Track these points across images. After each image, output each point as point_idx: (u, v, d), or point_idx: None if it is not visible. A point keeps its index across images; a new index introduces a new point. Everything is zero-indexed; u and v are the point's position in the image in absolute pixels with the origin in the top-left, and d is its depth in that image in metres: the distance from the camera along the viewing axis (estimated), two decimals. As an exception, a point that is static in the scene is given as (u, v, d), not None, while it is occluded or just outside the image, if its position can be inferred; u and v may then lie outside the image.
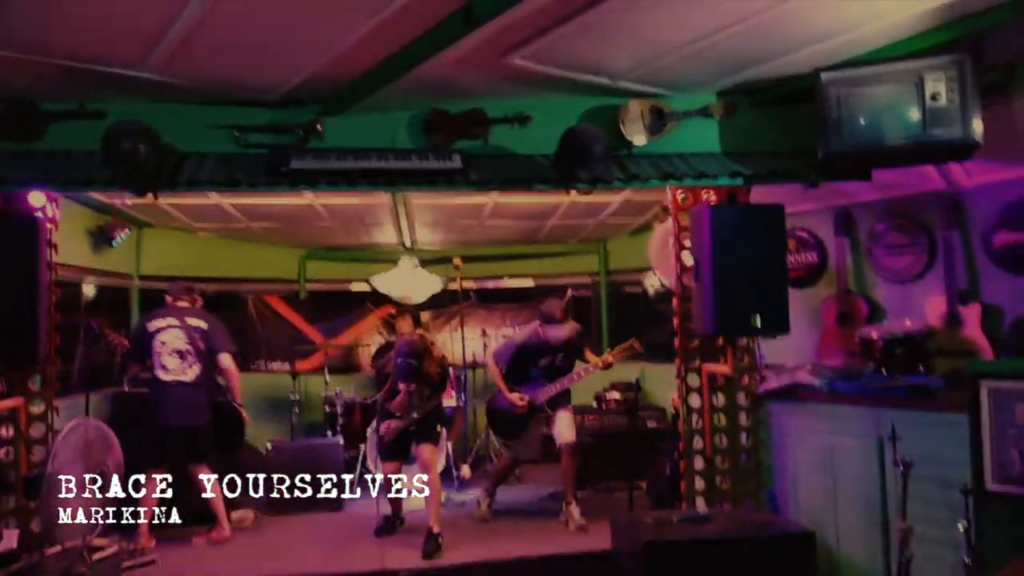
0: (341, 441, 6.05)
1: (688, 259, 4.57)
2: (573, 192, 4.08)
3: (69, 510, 3.37)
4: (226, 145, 3.93)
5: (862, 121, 3.81)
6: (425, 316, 7.81)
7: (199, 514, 4.98)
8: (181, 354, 4.89)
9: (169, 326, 4.93)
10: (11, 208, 3.90)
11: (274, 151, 3.75)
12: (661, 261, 5.23)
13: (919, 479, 3.43)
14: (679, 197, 4.58)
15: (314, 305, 7.89)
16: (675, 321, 4.63)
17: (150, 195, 3.56)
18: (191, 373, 4.89)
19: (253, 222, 6.43)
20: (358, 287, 8.01)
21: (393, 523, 5.19)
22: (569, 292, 8.11)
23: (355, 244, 7.70)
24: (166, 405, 4.83)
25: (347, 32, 3.13)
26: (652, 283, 7.62)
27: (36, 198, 3.98)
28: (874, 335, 4.46)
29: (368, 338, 7.92)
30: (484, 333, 7.32)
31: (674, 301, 4.66)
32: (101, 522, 3.63)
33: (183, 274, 7.08)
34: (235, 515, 5.53)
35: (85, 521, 3.48)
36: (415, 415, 4.98)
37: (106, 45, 3.15)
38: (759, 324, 4.02)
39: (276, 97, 3.84)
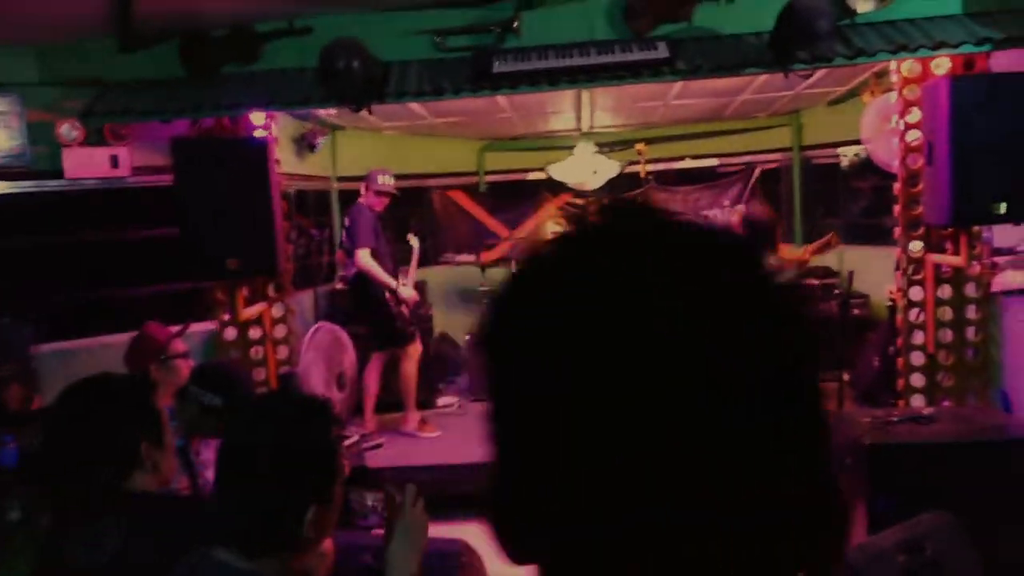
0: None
1: (913, 138, 4.14)
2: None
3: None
4: (426, 51, 3.94)
5: None
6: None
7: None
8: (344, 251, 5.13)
9: None
10: (238, 129, 4.18)
11: (476, 55, 3.71)
12: (878, 139, 4.77)
13: None
14: (904, 67, 4.09)
15: (493, 196, 8.01)
16: (896, 208, 4.27)
17: (364, 110, 3.66)
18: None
19: (437, 118, 6.52)
20: (535, 176, 8.01)
21: None
22: (757, 170, 7.67)
23: (532, 133, 7.64)
24: None
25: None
26: (847, 154, 7.03)
27: (257, 116, 4.22)
28: None
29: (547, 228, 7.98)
30: (670, 219, 7.12)
31: (896, 186, 4.27)
32: (343, 416, 4.04)
33: (374, 173, 7.44)
34: (441, 400, 5.97)
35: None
36: None
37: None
38: (1003, 211, 3.61)
39: (474, -3, 3.76)
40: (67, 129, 4.09)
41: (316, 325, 3.86)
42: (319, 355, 3.78)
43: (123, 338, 4.29)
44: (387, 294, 4.97)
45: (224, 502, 1.40)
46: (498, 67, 3.62)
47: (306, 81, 3.88)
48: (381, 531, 1.65)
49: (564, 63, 3.63)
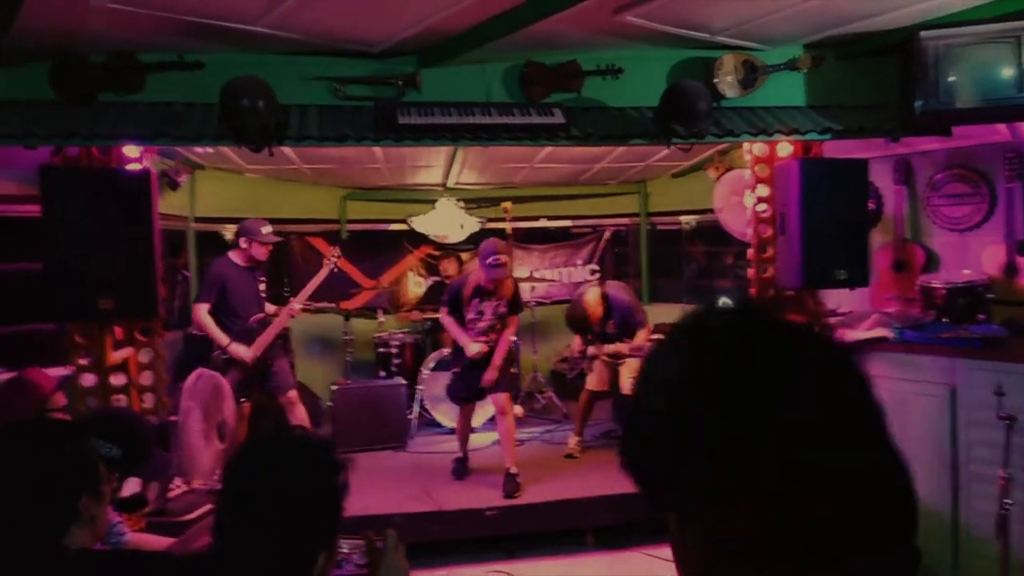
0: (403, 381, 6.22)
1: (762, 209, 4.67)
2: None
3: (198, 453, 3.52)
4: (324, 97, 3.93)
5: (957, 80, 3.88)
6: (465, 256, 7.91)
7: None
8: None
9: None
10: (109, 160, 3.90)
11: (379, 106, 3.76)
12: (729, 210, 5.32)
13: (994, 427, 3.64)
14: (756, 148, 4.63)
15: (355, 245, 7.92)
16: (750, 271, 4.76)
17: (265, 150, 3.57)
18: None
19: (305, 164, 6.42)
20: (396, 227, 8.05)
21: (465, 465, 5.30)
22: (608, 233, 8.21)
23: (396, 184, 7.70)
24: None
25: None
26: (687, 222, 7.75)
27: (131, 149, 3.97)
28: (935, 284, 4.61)
29: (409, 279, 8.02)
30: (532, 276, 7.42)
31: (749, 252, 4.77)
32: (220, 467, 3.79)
33: (232, 215, 7.13)
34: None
35: (209, 465, 3.64)
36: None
37: (235, 1, 3.12)
38: (844, 277, 4.16)
39: (379, 50, 3.82)
40: (-97, 148, 3.63)
41: (196, 372, 3.62)
42: (197, 404, 3.54)
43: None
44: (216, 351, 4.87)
45: (229, 554, 1.32)
46: (403, 119, 3.69)
47: (196, 117, 3.73)
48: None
49: (467, 120, 3.76)
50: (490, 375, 4.95)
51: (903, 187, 5.34)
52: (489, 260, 4.78)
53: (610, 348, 5.53)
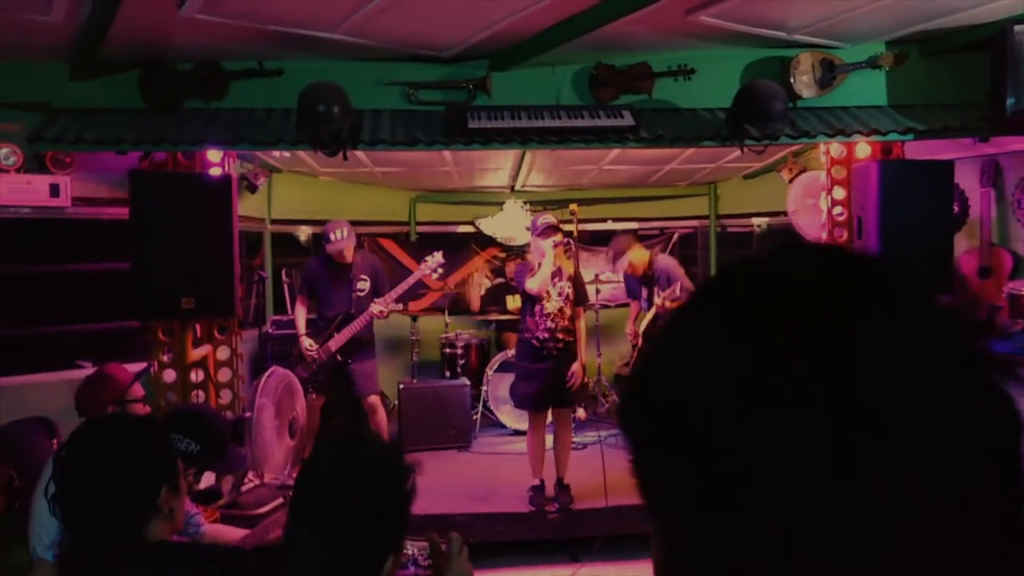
0: (468, 382, 6.27)
1: (838, 212, 4.53)
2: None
3: (271, 449, 3.63)
4: (396, 101, 4.00)
5: (1052, 76, 3.69)
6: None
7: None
8: None
9: None
10: (193, 165, 4.06)
11: (450, 111, 3.80)
12: (803, 212, 5.18)
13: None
14: (833, 149, 4.49)
15: (423, 246, 8.02)
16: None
17: (340, 154, 3.66)
18: None
19: (377, 167, 6.54)
20: (464, 228, 8.12)
21: (544, 494, 4.82)
22: (676, 235, 8.09)
23: (464, 187, 7.77)
24: None
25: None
26: (758, 225, 7.59)
27: (214, 154, 4.12)
28: (1025, 291, 4.40)
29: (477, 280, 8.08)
30: (597, 278, 7.37)
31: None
32: (292, 463, 3.90)
33: (307, 217, 7.33)
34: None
35: (281, 461, 3.75)
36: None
37: (315, 9, 3.21)
38: (925, 283, 3.99)
39: (449, 55, 3.87)
40: (6, 154, 3.86)
41: (270, 370, 3.74)
42: (270, 400, 3.66)
43: (48, 378, 4.03)
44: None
45: (300, 554, 1.35)
46: (473, 123, 3.72)
47: (275, 122, 3.85)
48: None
49: (536, 124, 3.77)
50: (576, 369, 4.62)
51: (990, 189, 5.09)
52: (540, 221, 4.73)
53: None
